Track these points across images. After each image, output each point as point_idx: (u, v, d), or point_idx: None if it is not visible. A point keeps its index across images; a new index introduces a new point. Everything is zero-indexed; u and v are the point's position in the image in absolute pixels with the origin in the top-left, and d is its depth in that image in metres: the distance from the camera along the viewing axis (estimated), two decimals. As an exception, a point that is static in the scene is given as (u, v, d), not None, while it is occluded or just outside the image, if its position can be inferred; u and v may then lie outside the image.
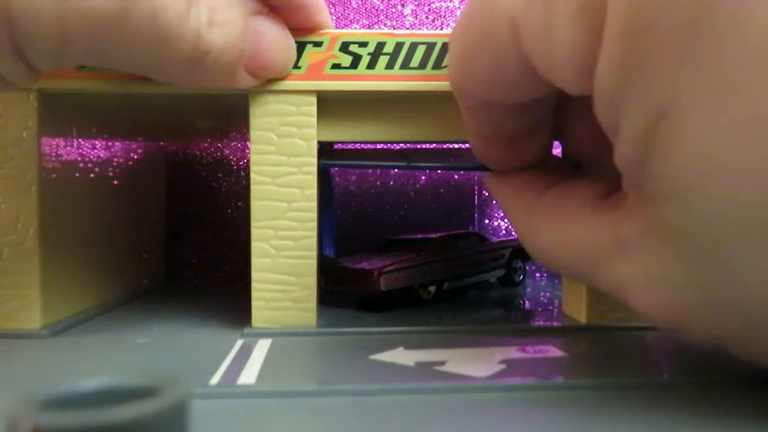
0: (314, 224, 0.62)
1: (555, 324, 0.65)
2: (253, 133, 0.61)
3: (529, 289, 0.84)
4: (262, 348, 0.56)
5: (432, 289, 0.75)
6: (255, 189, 0.61)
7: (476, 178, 0.99)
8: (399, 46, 0.61)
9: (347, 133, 0.65)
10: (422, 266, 0.74)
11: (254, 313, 0.62)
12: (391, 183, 0.99)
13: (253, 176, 0.61)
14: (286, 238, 0.62)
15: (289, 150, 0.61)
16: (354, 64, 0.61)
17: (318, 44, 0.61)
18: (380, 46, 0.61)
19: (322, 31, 0.61)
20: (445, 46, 0.62)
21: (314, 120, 0.61)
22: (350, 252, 0.78)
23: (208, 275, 1.05)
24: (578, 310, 0.65)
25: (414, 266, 0.73)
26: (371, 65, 0.61)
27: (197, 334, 0.62)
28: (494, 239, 0.87)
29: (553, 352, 0.54)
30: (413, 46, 0.61)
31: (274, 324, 0.62)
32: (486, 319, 0.69)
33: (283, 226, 0.62)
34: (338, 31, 0.61)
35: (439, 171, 0.92)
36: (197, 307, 0.76)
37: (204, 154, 1.07)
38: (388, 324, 0.65)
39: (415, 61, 0.61)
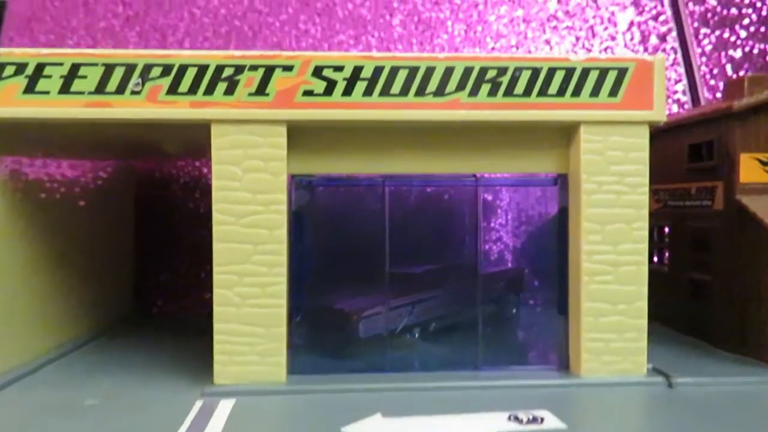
0: (284, 269, 0.55)
1: (551, 379, 0.58)
2: (216, 168, 0.55)
3: (522, 323, 0.78)
4: (222, 412, 0.50)
5: (416, 332, 0.69)
6: (217, 230, 0.55)
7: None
8: (378, 70, 0.55)
9: (323, 166, 0.58)
10: (406, 307, 0.68)
11: (216, 368, 0.55)
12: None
13: (215, 215, 0.55)
14: (253, 285, 0.55)
15: (255, 186, 0.55)
16: (328, 91, 0.55)
17: (288, 68, 0.54)
18: (357, 70, 0.55)
19: (292, 54, 0.55)
20: (429, 70, 0.55)
21: (284, 152, 0.55)
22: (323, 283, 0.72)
23: (182, 303, 0.98)
24: (576, 359, 0.59)
25: (398, 307, 0.67)
26: (347, 92, 0.55)
27: (153, 390, 0.56)
28: (487, 270, 0.81)
29: (550, 421, 0.47)
30: (394, 71, 0.55)
31: (238, 380, 0.55)
32: (474, 365, 0.62)
33: (249, 272, 0.55)
34: (310, 53, 0.55)
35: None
36: (160, 348, 0.70)
37: (181, 173, 1.01)
38: (367, 378, 0.58)
39: (396, 87, 0.55)
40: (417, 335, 0.69)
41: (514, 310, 0.81)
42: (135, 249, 0.95)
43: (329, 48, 1.03)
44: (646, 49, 1.09)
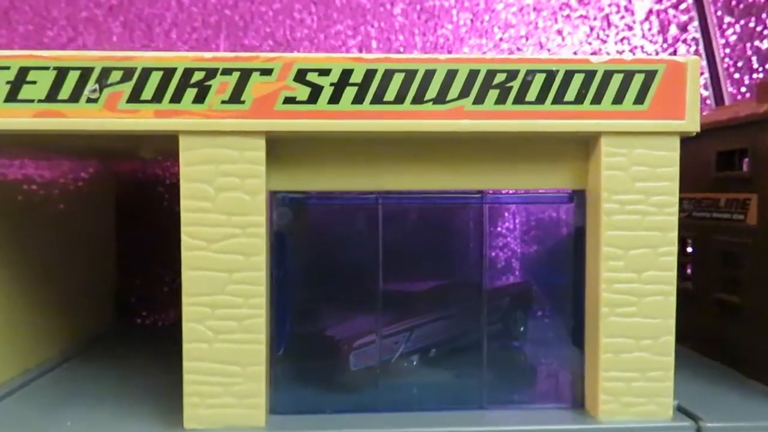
0: (263, 300, 0.49)
1: (565, 424, 0.52)
2: (185, 186, 0.48)
3: (532, 353, 0.71)
4: (190, 468, 0.43)
5: (414, 359, 0.62)
6: (187, 256, 0.48)
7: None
8: (370, 74, 0.48)
9: (307, 182, 0.52)
10: (403, 333, 0.61)
11: (187, 412, 0.49)
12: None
13: (184, 240, 0.48)
14: (227, 318, 0.49)
15: (230, 207, 0.48)
16: (313, 98, 0.48)
17: (266, 72, 0.48)
18: (346, 74, 0.48)
19: (271, 56, 0.48)
20: (428, 74, 0.48)
21: (262, 168, 0.48)
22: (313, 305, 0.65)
23: (167, 314, 0.92)
24: (592, 399, 0.52)
25: (393, 334, 0.60)
26: (335, 99, 0.48)
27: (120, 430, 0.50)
28: (491, 285, 0.74)
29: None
30: (388, 75, 0.48)
31: (211, 425, 0.49)
32: (478, 404, 0.56)
33: (223, 303, 0.49)
34: (292, 55, 0.48)
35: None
36: (137, 371, 0.64)
37: (166, 173, 0.94)
38: (357, 421, 0.52)
39: (391, 93, 0.48)
40: (415, 363, 0.63)
41: (522, 329, 0.74)
42: (116, 257, 0.89)
43: (325, 39, 0.95)
44: (665, 40, 1.01)
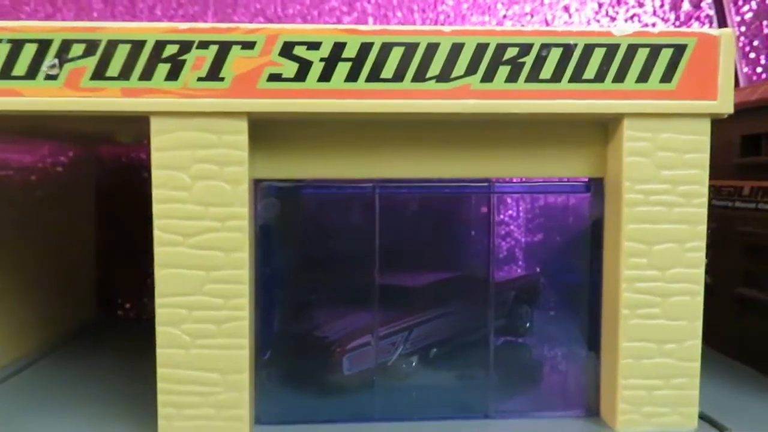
0: (245, 300, 0.44)
1: (580, 436, 0.47)
2: (156, 174, 0.43)
3: (540, 347, 0.67)
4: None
5: (414, 360, 0.58)
6: (160, 252, 0.43)
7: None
8: (366, 48, 0.43)
9: (296, 169, 0.46)
10: (402, 332, 0.56)
11: (161, 424, 0.44)
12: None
13: (156, 234, 0.43)
14: (206, 321, 0.44)
15: (208, 197, 0.43)
16: (301, 75, 0.43)
17: (248, 45, 0.42)
18: (339, 48, 0.42)
19: (254, 27, 0.42)
20: (431, 48, 0.43)
21: (244, 154, 0.43)
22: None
23: (150, 305, 0.87)
24: (609, 408, 0.48)
25: (391, 334, 0.55)
26: (326, 76, 0.43)
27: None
28: (495, 278, 0.69)
29: None
30: (386, 49, 0.43)
31: (189, 439, 0.44)
32: (483, 411, 0.51)
33: (201, 304, 0.44)
34: (276, 26, 0.42)
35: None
36: (115, 370, 0.60)
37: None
38: (352, 431, 0.47)
39: (389, 69, 0.43)
40: (414, 364, 0.58)
41: (528, 324, 0.69)
42: (97, 246, 0.84)
43: (319, 16, 0.90)
44: (677, 17, 0.96)
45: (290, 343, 0.51)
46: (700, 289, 0.46)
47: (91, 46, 0.42)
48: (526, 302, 0.69)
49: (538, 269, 0.63)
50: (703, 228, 0.45)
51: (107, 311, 0.86)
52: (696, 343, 0.46)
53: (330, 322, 0.54)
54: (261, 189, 0.46)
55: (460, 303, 0.62)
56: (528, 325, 0.69)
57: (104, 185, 0.85)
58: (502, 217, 0.83)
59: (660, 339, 0.46)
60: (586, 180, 0.49)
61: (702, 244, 0.46)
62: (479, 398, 0.54)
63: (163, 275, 0.43)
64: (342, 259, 0.53)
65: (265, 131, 0.45)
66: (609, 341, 0.48)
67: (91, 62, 0.42)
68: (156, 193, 0.43)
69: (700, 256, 0.46)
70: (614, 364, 0.47)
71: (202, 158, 0.43)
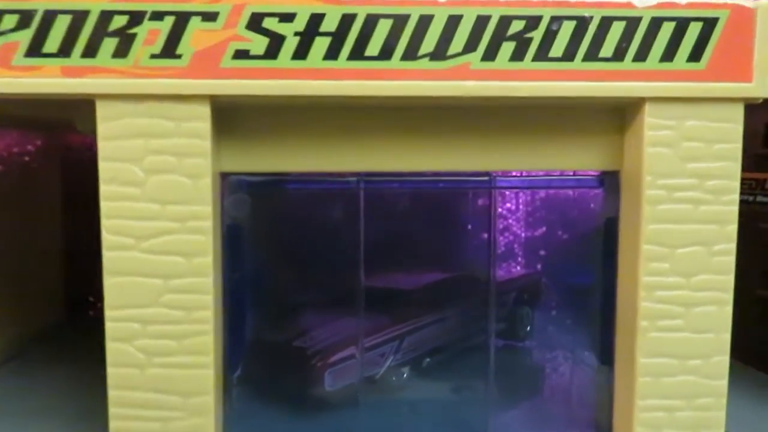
0: (209, 313, 0.38)
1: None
2: (104, 167, 0.37)
3: (541, 353, 0.61)
4: None
5: (405, 371, 0.52)
6: (109, 258, 0.37)
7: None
8: (347, 20, 0.37)
9: (268, 161, 0.41)
10: (391, 342, 0.51)
11: (113, 454, 0.38)
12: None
13: (105, 237, 0.37)
14: (164, 336, 0.38)
15: (164, 194, 0.37)
16: (272, 52, 0.37)
17: (210, 17, 0.36)
18: (316, 20, 0.37)
19: (217, -5, 0.36)
20: (424, 21, 0.37)
21: (207, 144, 0.37)
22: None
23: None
24: (624, 430, 0.42)
25: (380, 344, 0.50)
26: (301, 53, 0.37)
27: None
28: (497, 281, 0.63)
29: None
30: (371, 22, 0.37)
31: (146, 471, 0.38)
32: (479, 429, 0.46)
33: (158, 317, 0.38)
34: (244, -6, 0.36)
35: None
36: (78, 378, 0.55)
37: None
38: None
39: (375, 46, 0.37)
40: (405, 375, 0.52)
41: (528, 328, 0.64)
42: (65, 243, 0.78)
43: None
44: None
45: (264, 358, 0.46)
46: (729, 298, 0.40)
47: (25, 18, 0.35)
48: (526, 303, 0.63)
49: (539, 269, 0.58)
50: (733, 228, 0.40)
51: (77, 311, 0.81)
52: (724, 359, 0.41)
53: (310, 332, 0.48)
54: (228, 184, 0.40)
55: (456, 307, 0.57)
56: (528, 329, 0.64)
57: (73, 177, 0.79)
58: (500, 210, 0.77)
59: (683, 354, 0.40)
60: (599, 174, 0.43)
61: (732, 246, 0.40)
62: (478, 414, 0.48)
63: (113, 284, 0.37)
64: (323, 261, 0.47)
65: (232, 117, 0.39)
66: (624, 355, 0.42)
67: (25, 36, 0.36)
68: (104, 189, 0.37)
69: (730, 261, 0.40)
70: (630, 381, 0.41)
71: (157, 149, 0.37)
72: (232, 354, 0.42)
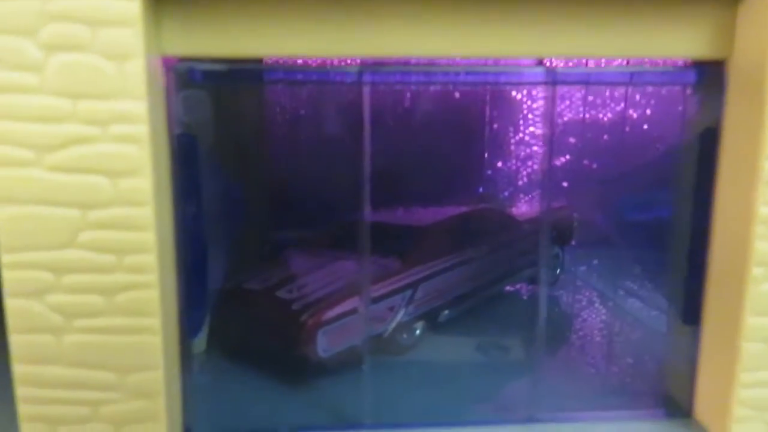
0: (153, 257, 0.27)
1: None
2: (-18, 42, 0.25)
3: (569, 298, 0.50)
4: None
5: (418, 327, 0.41)
6: (0, 178, 0.26)
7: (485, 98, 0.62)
8: None
9: (233, 43, 0.28)
10: (402, 291, 0.40)
11: (24, 452, 0.28)
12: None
13: (-9, 148, 0.26)
14: (87, 290, 0.27)
15: (76, 85, 0.25)
16: None
17: None
18: None
19: None
20: None
21: (135, 7, 0.25)
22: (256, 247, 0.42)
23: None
24: (718, 410, 0.32)
25: (388, 294, 0.39)
26: None
27: None
28: (518, 211, 0.52)
29: None
30: None
31: (71, 471, 0.28)
32: (524, 411, 0.35)
33: (77, 263, 0.27)
34: None
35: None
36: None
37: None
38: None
39: None
40: (418, 333, 0.42)
41: (558, 271, 0.54)
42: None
43: None
44: None
45: (236, 316, 0.35)
46: None
47: None
48: (556, 242, 0.53)
49: (601, 206, 0.46)
50: None
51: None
52: None
53: (296, 280, 0.37)
54: (176, 74, 0.28)
55: (485, 246, 0.46)
56: (558, 271, 0.54)
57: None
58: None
59: (807, 314, 0.30)
60: (695, 64, 0.31)
61: None
62: (511, 382, 0.38)
63: (9, 217, 0.26)
64: (313, 186, 0.35)
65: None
66: (720, 312, 0.31)
67: None
68: (-16, 76, 0.25)
69: None
70: (729, 348, 0.30)
71: (60, 13, 0.25)
72: (190, 313, 0.31)
